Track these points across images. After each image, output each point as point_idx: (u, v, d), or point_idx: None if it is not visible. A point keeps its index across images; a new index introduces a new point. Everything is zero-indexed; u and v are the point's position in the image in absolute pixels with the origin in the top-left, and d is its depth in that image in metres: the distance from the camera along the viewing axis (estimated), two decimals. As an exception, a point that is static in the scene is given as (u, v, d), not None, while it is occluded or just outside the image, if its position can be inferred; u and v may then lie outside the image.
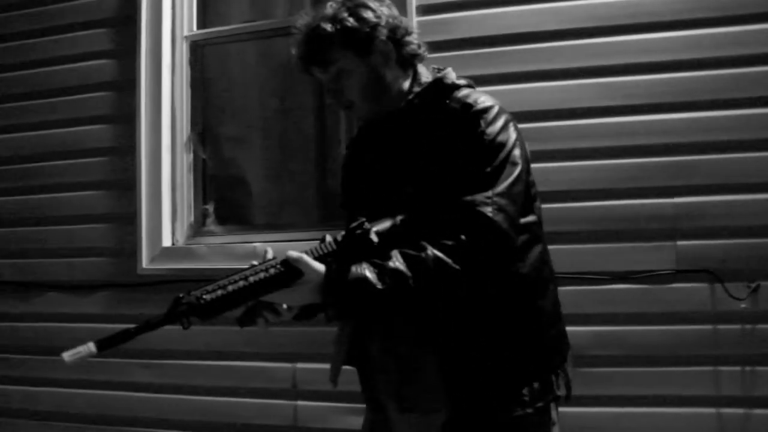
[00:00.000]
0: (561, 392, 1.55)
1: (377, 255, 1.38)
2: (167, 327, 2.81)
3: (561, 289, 2.32)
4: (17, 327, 3.09)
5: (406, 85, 1.60)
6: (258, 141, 3.13)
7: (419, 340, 1.50)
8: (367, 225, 1.40)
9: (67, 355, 1.36)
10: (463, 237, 1.38)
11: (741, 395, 2.29)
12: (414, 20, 2.57)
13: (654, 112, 2.39)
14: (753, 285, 2.29)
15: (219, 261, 2.80)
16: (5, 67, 3.19)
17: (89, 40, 3.07)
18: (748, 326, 2.30)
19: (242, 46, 3.11)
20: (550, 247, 2.30)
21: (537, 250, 1.55)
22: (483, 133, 1.46)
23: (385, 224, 1.44)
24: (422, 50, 1.64)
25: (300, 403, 2.69)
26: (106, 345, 1.38)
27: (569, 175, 2.44)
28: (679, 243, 2.35)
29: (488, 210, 1.39)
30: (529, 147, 2.36)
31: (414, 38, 1.62)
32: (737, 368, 2.30)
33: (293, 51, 1.60)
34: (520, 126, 2.36)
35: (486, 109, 1.48)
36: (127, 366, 2.88)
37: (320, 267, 1.37)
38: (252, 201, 3.12)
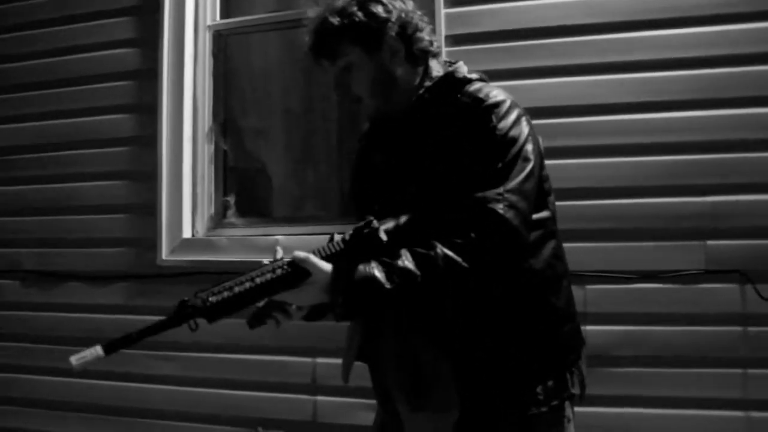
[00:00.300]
0: (575, 390, 1.53)
1: (386, 253, 1.37)
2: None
3: (588, 287, 2.38)
4: (36, 316, 3.12)
5: (417, 80, 1.59)
6: (280, 133, 3.14)
7: (431, 338, 1.50)
8: (375, 224, 1.40)
9: (74, 359, 1.36)
10: (473, 234, 1.37)
11: (771, 398, 2.28)
12: (442, 12, 2.57)
13: (687, 108, 2.38)
14: (784, 286, 2.27)
15: (239, 253, 2.82)
16: (29, 54, 3.22)
17: (112, 29, 3.09)
18: (778, 328, 2.29)
19: (265, 36, 3.12)
20: (578, 244, 2.33)
21: (550, 245, 1.54)
22: (495, 128, 1.45)
23: (392, 222, 1.44)
24: (434, 46, 1.62)
25: (320, 398, 2.70)
26: (113, 348, 1.40)
27: (601, 171, 2.44)
28: (709, 242, 2.34)
29: (499, 207, 1.38)
30: (562, 142, 2.39)
31: (426, 34, 1.60)
32: (767, 371, 2.28)
33: (305, 40, 1.60)
34: (554, 121, 2.42)
35: (498, 104, 1.47)
36: (146, 358, 2.89)
37: (327, 266, 1.38)
38: (273, 193, 3.13)
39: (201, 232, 2.98)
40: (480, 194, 1.39)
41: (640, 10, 2.43)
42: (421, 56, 1.59)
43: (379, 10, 1.53)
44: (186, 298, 1.37)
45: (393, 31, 1.54)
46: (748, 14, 2.35)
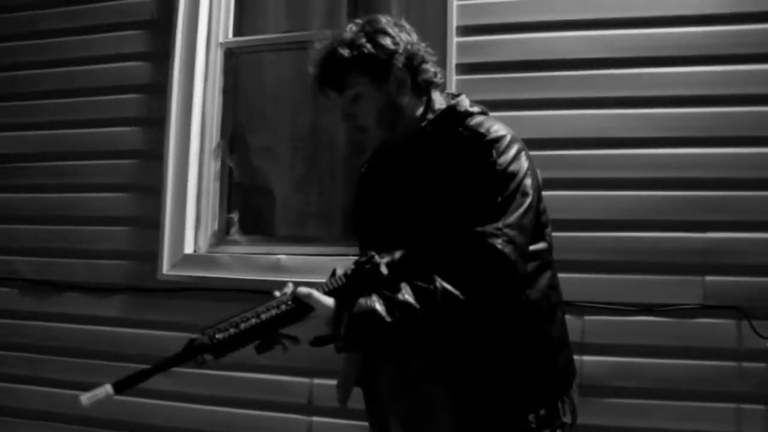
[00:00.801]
0: (567, 419, 1.59)
1: (387, 286, 1.43)
2: (184, 335, 2.89)
3: (586, 318, 2.46)
4: (33, 326, 3.15)
5: (420, 111, 1.65)
6: (286, 152, 3.21)
7: (427, 369, 1.56)
8: (376, 259, 1.47)
9: (84, 398, 1.42)
10: (472, 269, 1.44)
11: (763, 434, 2.35)
12: (453, 41, 2.67)
13: (690, 145, 2.47)
14: (780, 324, 2.35)
15: (241, 271, 2.88)
16: (39, 63, 3.29)
17: (123, 42, 3.17)
18: (773, 365, 2.37)
19: (276, 56, 3.21)
20: (578, 275, 2.42)
21: (546, 276, 1.60)
22: (495, 162, 1.50)
23: (394, 256, 1.50)
24: (438, 78, 1.68)
25: (315, 419, 2.74)
26: (122, 386, 1.46)
27: (601, 204, 2.52)
28: (708, 278, 2.42)
29: (498, 242, 1.44)
30: (561, 174, 2.47)
31: (431, 66, 1.66)
32: (761, 407, 2.36)
33: (310, 70, 1.65)
34: (557, 153, 2.51)
35: (498, 138, 1.53)
36: (143, 371, 2.94)
37: (330, 301, 1.44)
38: (277, 212, 3.19)
39: (203, 248, 3.04)
40: (479, 228, 1.45)
41: (648, 47, 2.53)
42: (425, 87, 1.65)
43: (387, 42, 1.59)
44: (194, 337, 1.43)
45: (400, 63, 1.60)
46: (751, 56, 2.45)
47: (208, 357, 1.44)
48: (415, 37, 1.66)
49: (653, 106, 2.51)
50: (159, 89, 3.07)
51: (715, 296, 2.41)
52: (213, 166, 3.09)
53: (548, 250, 1.64)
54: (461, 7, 2.69)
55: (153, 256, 2.99)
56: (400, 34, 1.62)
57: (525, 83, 2.62)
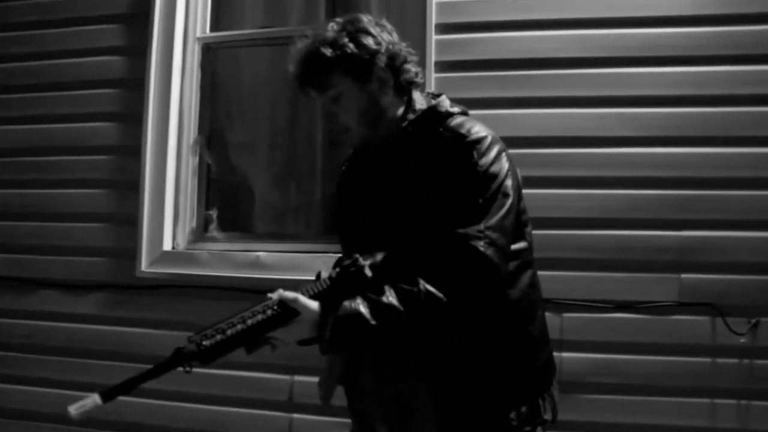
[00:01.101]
0: (548, 416, 1.62)
1: (371, 288, 1.46)
2: (162, 332, 2.92)
3: (565, 315, 2.50)
4: (9, 324, 3.14)
5: (401, 111, 1.65)
6: (265, 148, 3.21)
7: (410, 369, 1.59)
8: (361, 261, 1.49)
9: (72, 409, 1.42)
10: (454, 271, 1.46)
11: (737, 428, 2.41)
12: (432, 38, 2.68)
13: (667, 145, 2.51)
14: (753, 321, 2.41)
15: (220, 268, 2.90)
16: (12, 56, 3.25)
17: (99, 36, 3.14)
18: (746, 361, 2.42)
19: (254, 52, 3.20)
20: (556, 273, 2.46)
21: (527, 275, 1.63)
22: (476, 163, 1.52)
23: (376, 258, 1.52)
24: (419, 77, 1.69)
25: (296, 415, 2.77)
26: (110, 395, 1.46)
27: (580, 202, 2.56)
28: (683, 276, 2.47)
29: (480, 244, 1.46)
30: (540, 173, 2.51)
31: (412, 65, 1.67)
32: (734, 401, 2.43)
33: (290, 68, 1.64)
34: (536, 151, 2.54)
35: (479, 140, 1.55)
36: (122, 370, 2.86)
37: (315, 305, 1.46)
38: (256, 209, 3.20)
39: (182, 244, 3.04)
40: (461, 230, 1.47)
41: (626, 47, 2.57)
42: (406, 87, 1.66)
43: (369, 41, 1.59)
44: (181, 346, 1.44)
45: (382, 63, 1.60)
46: (728, 57, 2.50)
47: (195, 364, 1.45)
48: (396, 37, 1.66)
49: (630, 105, 2.55)
50: (136, 84, 3.05)
51: (691, 294, 2.46)
52: (191, 162, 3.08)
53: (529, 249, 1.66)
54: (440, 5, 2.70)
55: (131, 253, 2.98)
56: (382, 34, 1.62)
57: (504, 81, 2.64)
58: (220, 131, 3.19)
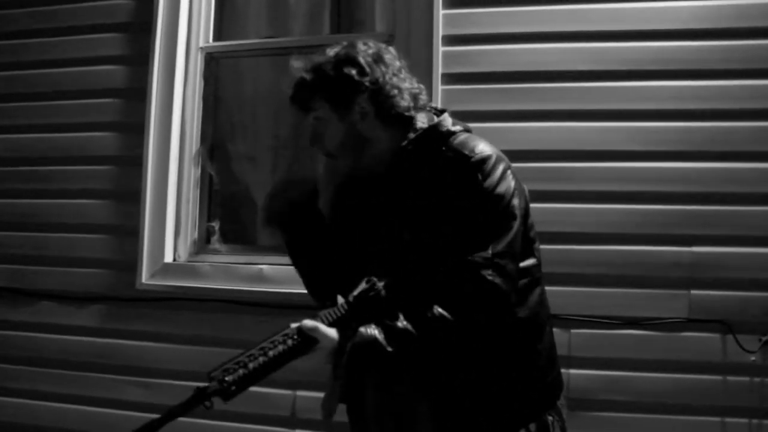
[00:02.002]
0: None
1: (385, 311, 1.50)
2: (163, 345, 2.92)
3: (573, 331, 2.49)
4: (8, 335, 3.13)
5: (397, 137, 1.65)
6: (267, 160, 3.21)
7: (412, 390, 1.61)
8: (378, 285, 1.53)
9: None
10: (464, 300, 1.49)
11: (748, 448, 2.40)
12: (440, 51, 2.68)
13: (677, 159, 2.51)
14: (764, 338, 2.39)
15: (221, 281, 2.88)
16: (14, 65, 3.25)
17: (102, 44, 3.14)
18: (757, 379, 2.41)
19: (257, 62, 3.20)
20: (564, 288, 2.46)
21: (537, 292, 1.64)
22: (481, 185, 1.53)
23: (389, 280, 1.55)
24: (412, 111, 1.67)
25: (298, 431, 2.76)
26: None
27: (590, 217, 2.55)
28: (693, 292, 2.46)
29: (488, 273, 1.48)
30: (548, 187, 2.51)
31: (405, 97, 1.65)
32: (744, 420, 2.41)
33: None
34: (541, 165, 2.54)
35: (484, 159, 1.55)
36: (121, 383, 2.94)
37: (333, 333, 1.49)
38: (258, 221, 3.16)
39: (183, 256, 3.03)
40: (470, 258, 1.49)
41: (635, 60, 2.56)
42: (398, 118, 1.65)
43: (352, 72, 1.61)
44: (203, 385, 1.41)
45: (365, 94, 1.61)
46: (739, 71, 2.49)
47: (216, 400, 1.43)
48: (397, 65, 1.67)
49: (640, 119, 2.54)
50: (138, 93, 3.04)
51: (701, 310, 2.45)
52: (193, 173, 3.07)
53: (537, 266, 1.67)
54: (447, 17, 2.70)
55: (132, 265, 2.97)
56: (372, 64, 1.63)
57: (511, 94, 2.64)
58: (222, 142, 3.18)
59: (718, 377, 2.44)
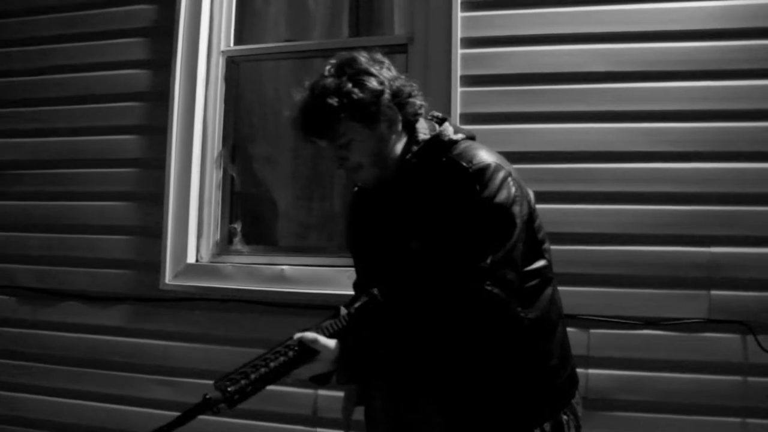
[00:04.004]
0: None
1: (384, 320, 1.55)
2: (185, 344, 2.95)
3: (592, 331, 2.50)
4: (32, 334, 3.19)
5: (405, 144, 1.67)
6: (288, 162, 3.24)
7: (421, 396, 1.65)
8: (379, 298, 1.58)
9: None
10: (462, 311, 1.52)
11: (769, 448, 2.39)
12: (458, 53, 2.69)
13: (695, 160, 2.50)
14: (785, 339, 2.39)
15: (243, 281, 2.92)
16: (39, 70, 3.31)
17: (125, 49, 3.19)
18: (777, 379, 2.41)
19: (277, 65, 3.24)
20: (584, 288, 2.46)
21: (547, 293, 1.65)
22: (480, 194, 1.54)
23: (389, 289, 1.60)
24: (422, 109, 1.70)
25: (320, 430, 2.78)
26: None
27: (610, 217, 2.55)
28: (713, 292, 2.46)
29: (487, 283, 1.50)
30: (567, 188, 2.52)
31: (416, 98, 1.68)
32: (765, 421, 2.40)
33: (294, 120, 1.66)
34: (564, 166, 2.55)
35: (482, 170, 1.56)
36: (145, 382, 2.99)
37: (333, 344, 1.54)
38: (280, 222, 3.23)
39: (205, 257, 3.07)
40: (468, 268, 1.51)
41: (653, 62, 2.56)
42: (412, 120, 1.68)
43: (373, 83, 1.60)
44: (208, 395, 1.48)
45: (387, 101, 1.61)
46: (756, 71, 2.48)
47: (222, 407, 1.51)
48: (394, 71, 1.68)
49: (660, 120, 2.54)
50: (160, 97, 3.09)
51: (721, 311, 2.45)
52: (215, 175, 3.11)
53: (548, 267, 1.68)
54: (466, 19, 2.72)
55: (155, 266, 3.02)
56: (382, 71, 1.63)
57: (529, 96, 2.65)
58: (244, 144, 3.22)
59: (738, 378, 2.43)
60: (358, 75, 1.60)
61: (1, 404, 3.21)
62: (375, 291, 1.58)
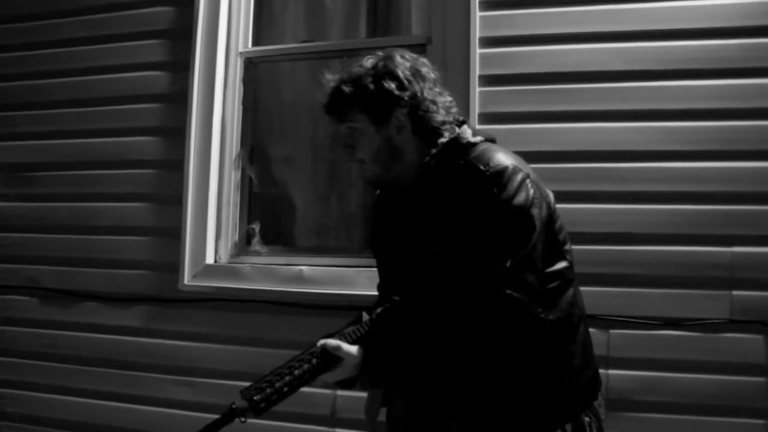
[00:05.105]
0: None
1: (403, 325, 1.58)
2: (204, 345, 2.98)
3: (612, 331, 2.49)
4: (53, 334, 3.23)
5: (425, 150, 1.69)
6: (306, 162, 3.26)
7: (441, 397, 1.66)
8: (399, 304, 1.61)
9: None
10: (482, 314, 1.52)
11: (792, 451, 2.37)
12: (477, 53, 2.70)
13: (718, 159, 2.49)
14: (808, 340, 2.37)
15: (262, 282, 2.94)
16: (59, 72, 3.35)
17: (144, 51, 3.23)
18: (801, 381, 2.39)
19: (295, 66, 3.26)
20: (603, 288, 2.46)
21: (569, 294, 1.66)
22: (498, 197, 1.55)
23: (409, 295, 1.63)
24: (447, 126, 1.70)
25: (338, 430, 2.79)
26: None
27: (629, 217, 2.54)
28: (735, 293, 2.44)
29: (507, 286, 1.50)
30: (589, 187, 2.52)
31: (439, 113, 1.68)
32: (788, 422, 2.39)
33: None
34: (583, 165, 2.54)
35: (500, 172, 1.56)
36: (164, 382, 3.02)
37: (355, 350, 1.57)
38: (298, 223, 3.24)
39: (224, 258, 3.10)
40: (488, 271, 1.52)
41: (672, 60, 2.55)
42: (432, 132, 1.69)
43: (392, 86, 1.63)
44: (234, 405, 1.52)
45: (404, 108, 1.64)
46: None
47: (249, 415, 1.54)
48: (432, 77, 1.71)
49: (679, 119, 2.53)
50: (179, 99, 3.12)
51: (742, 311, 2.43)
52: (233, 176, 3.14)
53: (569, 268, 1.69)
54: (484, 19, 2.73)
55: (174, 267, 3.05)
56: (411, 78, 1.65)
57: (548, 95, 2.65)
58: (262, 145, 3.24)
59: (761, 379, 2.42)
60: (384, 75, 1.65)
61: (21, 403, 3.25)
62: (396, 298, 1.61)
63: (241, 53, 3.19)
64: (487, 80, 2.71)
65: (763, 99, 2.48)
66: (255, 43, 3.24)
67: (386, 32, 3.10)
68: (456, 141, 1.67)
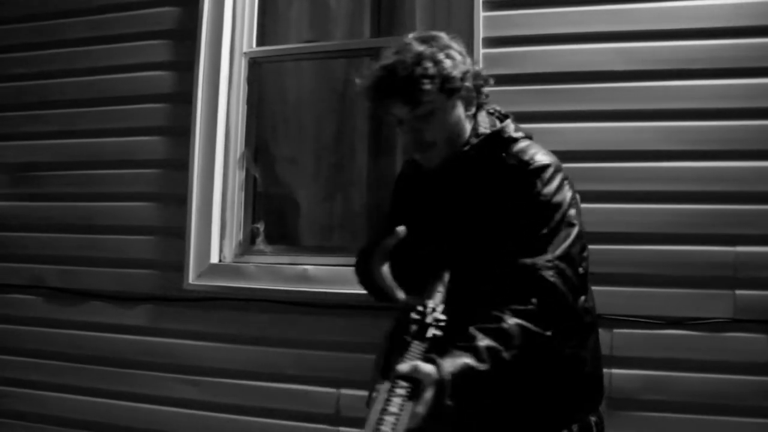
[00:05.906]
0: None
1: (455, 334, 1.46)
2: (209, 344, 2.99)
3: (615, 331, 2.50)
4: (58, 333, 3.25)
5: (468, 132, 1.69)
6: (311, 161, 3.28)
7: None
8: (438, 315, 1.45)
9: None
10: (534, 301, 1.49)
11: (795, 450, 2.38)
12: (480, 53, 2.71)
13: (720, 159, 2.49)
14: (812, 339, 2.38)
15: (266, 281, 2.95)
16: (63, 72, 3.37)
17: (148, 51, 3.24)
18: (804, 380, 2.39)
19: (300, 66, 3.27)
20: (607, 288, 2.46)
21: (580, 301, 1.65)
22: (539, 193, 1.57)
23: (437, 294, 1.54)
24: (488, 98, 1.75)
25: (342, 429, 2.80)
26: None
27: (630, 217, 2.55)
28: (738, 292, 2.45)
29: (549, 274, 1.51)
30: (591, 187, 2.53)
31: (488, 84, 1.74)
32: (791, 422, 2.40)
33: (365, 83, 1.65)
34: (584, 165, 2.55)
35: (543, 167, 1.59)
36: (169, 381, 3.04)
37: (431, 368, 1.38)
38: (302, 222, 3.26)
39: (229, 257, 3.11)
40: (530, 261, 1.52)
41: (678, 60, 2.55)
42: (481, 107, 1.73)
43: (458, 59, 1.63)
44: None
45: (470, 82, 1.65)
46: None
47: None
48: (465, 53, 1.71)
49: (683, 119, 2.54)
50: (183, 98, 3.13)
51: (746, 310, 2.44)
52: (238, 176, 3.15)
53: (585, 275, 1.69)
54: (488, 19, 2.73)
55: (178, 266, 3.06)
56: (463, 52, 1.67)
57: (552, 95, 2.66)
58: (266, 145, 3.26)
59: (764, 378, 2.42)
60: (447, 49, 1.63)
61: (28, 402, 3.27)
62: (428, 304, 1.48)
63: (245, 53, 3.20)
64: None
65: (766, 99, 2.48)
66: (259, 43, 3.25)
67: (390, 32, 3.11)
68: (499, 134, 1.69)
